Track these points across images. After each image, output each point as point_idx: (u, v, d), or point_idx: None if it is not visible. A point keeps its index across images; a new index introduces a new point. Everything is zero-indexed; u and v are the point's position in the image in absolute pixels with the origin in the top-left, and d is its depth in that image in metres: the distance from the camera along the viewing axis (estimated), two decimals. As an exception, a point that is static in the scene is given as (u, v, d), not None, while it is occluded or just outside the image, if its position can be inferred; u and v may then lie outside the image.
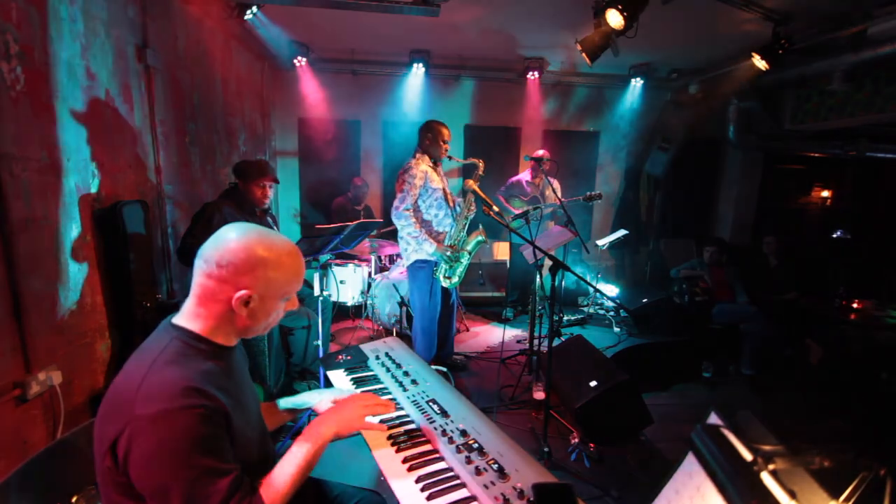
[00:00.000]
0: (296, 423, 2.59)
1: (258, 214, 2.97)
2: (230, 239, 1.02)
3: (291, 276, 1.07)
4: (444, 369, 3.52)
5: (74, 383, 2.20)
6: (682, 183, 6.02)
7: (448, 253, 3.23)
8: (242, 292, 1.00)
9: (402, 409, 1.53)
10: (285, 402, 1.43)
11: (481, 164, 3.34)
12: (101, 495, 0.97)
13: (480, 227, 3.37)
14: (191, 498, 0.88)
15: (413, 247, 3.29)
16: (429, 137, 3.27)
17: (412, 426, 1.43)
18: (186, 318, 1.04)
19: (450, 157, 3.37)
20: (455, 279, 3.35)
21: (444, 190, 3.33)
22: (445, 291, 3.47)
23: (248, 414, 1.09)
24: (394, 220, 3.24)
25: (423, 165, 3.22)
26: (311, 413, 1.45)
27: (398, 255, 4.80)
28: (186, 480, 0.88)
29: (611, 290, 5.40)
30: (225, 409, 0.96)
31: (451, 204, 3.39)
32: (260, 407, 1.23)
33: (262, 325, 1.08)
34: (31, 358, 1.93)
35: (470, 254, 3.34)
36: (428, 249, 3.22)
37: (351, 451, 2.51)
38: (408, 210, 3.18)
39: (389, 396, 1.61)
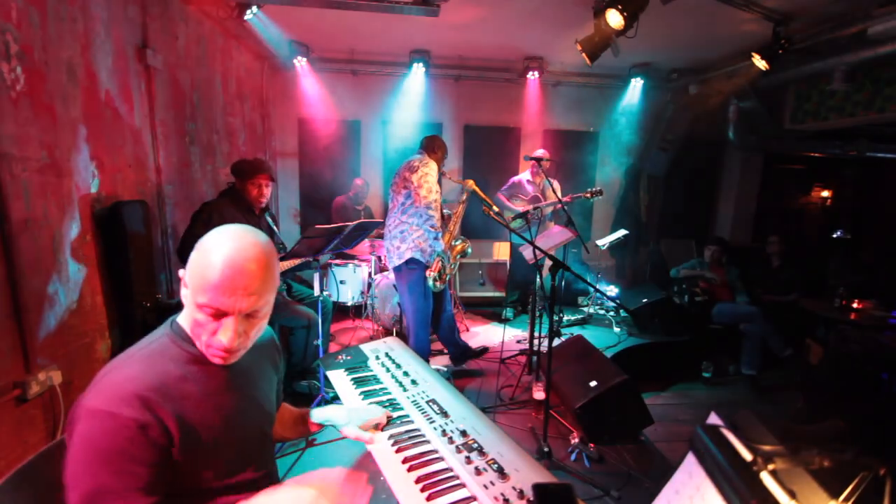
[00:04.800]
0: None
1: (256, 213, 2.97)
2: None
3: (201, 274, 0.90)
4: (444, 369, 3.53)
5: (74, 383, 2.20)
6: (682, 183, 6.02)
7: (446, 254, 3.31)
8: (181, 270, 0.98)
9: (401, 409, 1.53)
10: (317, 415, 1.35)
11: (471, 183, 3.48)
12: None
13: (465, 239, 3.49)
14: None
15: (407, 243, 3.28)
16: (438, 151, 3.41)
17: (412, 426, 1.43)
18: (182, 316, 1.03)
19: (443, 174, 3.52)
20: (444, 282, 3.41)
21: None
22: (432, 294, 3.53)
23: (229, 426, 1.01)
24: (424, 210, 3.20)
25: (436, 167, 3.34)
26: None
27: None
28: (84, 489, 0.84)
29: (611, 290, 5.39)
30: (168, 428, 0.89)
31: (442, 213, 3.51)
32: (266, 417, 1.16)
33: (190, 328, 0.98)
34: (31, 358, 1.93)
35: (456, 261, 3.45)
36: (437, 247, 3.26)
37: (350, 450, 2.52)
38: (435, 201, 3.24)
39: (389, 396, 1.61)
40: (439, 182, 3.44)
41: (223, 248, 0.91)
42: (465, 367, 3.77)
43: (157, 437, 0.88)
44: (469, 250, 3.41)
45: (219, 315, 0.93)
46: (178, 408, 0.92)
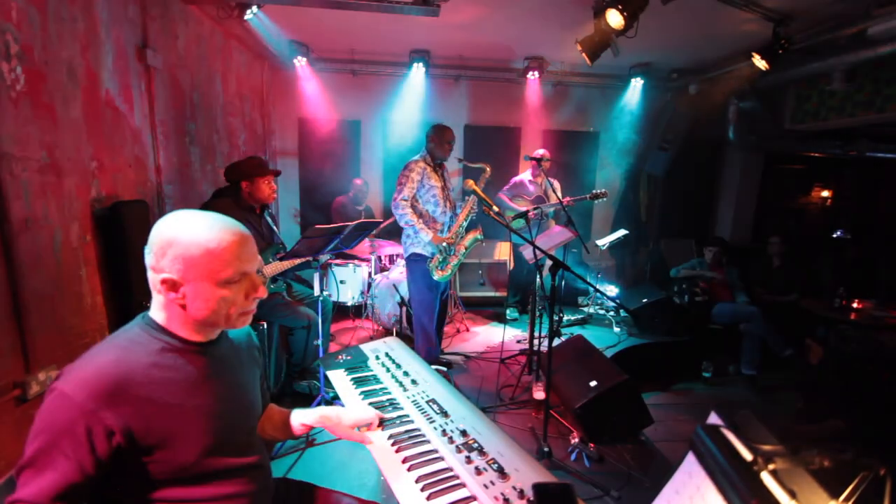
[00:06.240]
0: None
1: (257, 212, 2.97)
2: (156, 224, 0.98)
3: (216, 256, 0.96)
4: (445, 369, 3.52)
5: (74, 383, 2.20)
6: (682, 183, 6.02)
7: (443, 245, 3.33)
8: (162, 275, 0.95)
9: (401, 408, 1.53)
10: (299, 417, 1.33)
11: (489, 169, 3.50)
12: None
13: (479, 226, 3.48)
14: (19, 477, 0.89)
15: (412, 238, 3.40)
16: (433, 139, 3.44)
17: (412, 426, 1.43)
18: (157, 310, 1.03)
19: (460, 160, 3.58)
20: (447, 272, 3.39)
21: (441, 188, 3.46)
22: (438, 288, 3.54)
23: (210, 411, 1.02)
24: (392, 210, 3.39)
25: (422, 163, 3.39)
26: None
27: (398, 255, 4.80)
28: (23, 457, 0.89)
29: (611, 290, 5.39)
30: (126, 425, 0.90)
31: (450, 204, 3.51)
32: (251, 404, 1.17)
33: (211, 314, 0.99)
34: (31, 358, 1.93)
35: (466, 249, 3.43)
36: (424, 239, 3.33)
37: (351, 450, 2.51)
38: (405, 201, 3.33)
39: (389, 396, 1.61)
40: (441, 169, 3.51)
41: (214, 227, 0.98)
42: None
43: (98, 440, 0.88)
44: (480, 236, 3.46)
45: (243, 277, 1.01)
46: (143, 394, 0.93)
